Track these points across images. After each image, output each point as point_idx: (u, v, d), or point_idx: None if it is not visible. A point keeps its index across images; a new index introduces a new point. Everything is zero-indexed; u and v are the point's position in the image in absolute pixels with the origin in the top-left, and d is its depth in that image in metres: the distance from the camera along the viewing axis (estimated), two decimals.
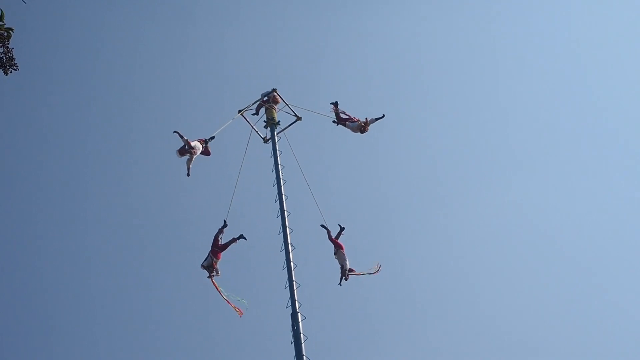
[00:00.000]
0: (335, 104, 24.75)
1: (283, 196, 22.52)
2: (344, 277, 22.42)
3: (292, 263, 20.77)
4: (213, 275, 21.85)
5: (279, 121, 24.99)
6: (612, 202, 45.58)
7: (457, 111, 48.25)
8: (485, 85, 50.20)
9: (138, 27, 48.56)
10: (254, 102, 25.10)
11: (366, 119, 23.97)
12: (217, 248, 22.30)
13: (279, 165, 23.39)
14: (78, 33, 47.52)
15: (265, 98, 25.06)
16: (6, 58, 8.12)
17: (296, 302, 19.78)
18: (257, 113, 25.09)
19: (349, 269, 22.44)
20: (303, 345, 18.79)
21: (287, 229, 21.63)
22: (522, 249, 43.57)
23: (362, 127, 24.09)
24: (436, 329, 39.40)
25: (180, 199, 42.64)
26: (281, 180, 22.94)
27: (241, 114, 24.82)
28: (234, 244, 22.53)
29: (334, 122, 24.77)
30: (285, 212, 22.07)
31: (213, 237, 22.55)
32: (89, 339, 38.76)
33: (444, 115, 48.03)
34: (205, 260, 22.09)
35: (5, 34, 8.05)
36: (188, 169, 22.60)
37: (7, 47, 8.13)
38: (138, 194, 43.84)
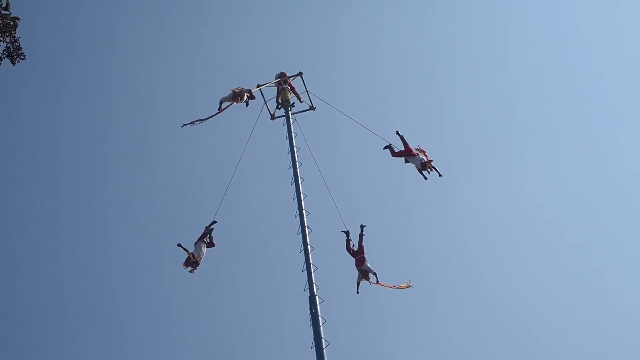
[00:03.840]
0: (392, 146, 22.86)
1: (299, 179, 22.38)
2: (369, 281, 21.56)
3: (309, 246, 20.69)
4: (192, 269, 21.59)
5: (293, 103, 24.93)
6: (619, 185, 45.27)
7: (465, 96, 47.98)
8: (493, 70, 49.90)
9: (148, 13, 48.37)
10: (274, 80, 25.19)
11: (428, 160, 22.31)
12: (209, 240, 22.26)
13: (295, 147, 23.24)
14: (86, 21, 47.35)
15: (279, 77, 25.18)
16: (13, 48, 8.03)
17: (314, 285, 19.73)
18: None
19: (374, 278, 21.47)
20: (321, 327, 18.75)
21: (304, 211, 21.52)
22: (530, 234, 43.41)
23: (424, 164, 22.24)
24: (449, 314, 39.40)
25: (189, 182, 42.66)
26: (297, 163, 22.79)
27: (259, 89, 24.93)
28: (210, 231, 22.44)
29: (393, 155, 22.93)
30: (302, 194, 21.95)
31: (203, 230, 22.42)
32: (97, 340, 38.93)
33: (452, 101, 47.78)
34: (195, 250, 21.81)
35: (12, 23, 7.95)
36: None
37: (14, 37, 8.04)
38: (151, 181, 43.85)
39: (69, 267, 41.25)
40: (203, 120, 23.80)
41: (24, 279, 40.75)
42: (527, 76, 48.92)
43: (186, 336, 38.54)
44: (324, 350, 18.35)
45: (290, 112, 24.61)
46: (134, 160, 45.03)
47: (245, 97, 24.41)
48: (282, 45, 47.78)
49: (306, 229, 21.09)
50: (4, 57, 8.06)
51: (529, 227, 43.77)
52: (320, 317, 18.95)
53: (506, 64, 49.49)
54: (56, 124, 45.45)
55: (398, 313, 38.20)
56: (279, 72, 25.48)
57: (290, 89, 25.14)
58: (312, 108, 25.21)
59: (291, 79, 25.17)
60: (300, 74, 25.17)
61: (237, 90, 24.34)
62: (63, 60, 46.21)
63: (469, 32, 50.33)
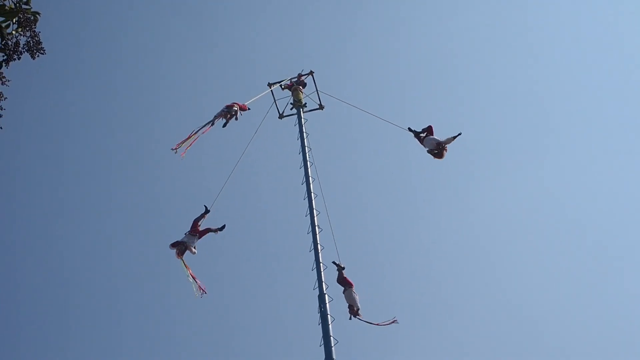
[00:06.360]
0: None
1: (310, 178, 22.50)
2: (353, 315, 20.91)
3: (319, 245, 20.80)
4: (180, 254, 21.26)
5: (305, 103, 25.12)
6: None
7: (487, 94, 47.95)
8: (517, 67, 49.76)
9: (165, 6, 48.64)
10: (287, 79, 25.45)
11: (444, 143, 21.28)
12: (196, 233, 21.90)
13: (306, 148, 23.38)
14: (105, 16, 47.73)
15: (294, 79, 25.40)
16: (33, 42, 8.15)
17: (323, 284, 19.84)
18: (286, 88, 25.46)
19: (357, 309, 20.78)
20: (330, 326, 18.84)
21: (315, 211, 21.64)
22: (553, 233, 43.29)
23: (439, 148, 21.35)
24: (463, 314, 39.32)
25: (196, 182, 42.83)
26: (308, 163, 22.91)
27: (270, 87, 25.24)
28: (212, 233, 22.09)
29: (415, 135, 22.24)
30: (312, 194, 22.06)
31: (192, 221, 22.07)
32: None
33: (474, 98, 47.75)
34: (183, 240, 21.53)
35: (32, 17, 8.07)
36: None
37: (34, 32, 8.16)
38: (165, 174, 44.05)
39: (71, 267, 41.51)
40: (190, 141, 22.06)
41: (24, 278, 41.01)
42: (546, 71, 48.90)
43: (195, 334, 38.69)
44: (333, 348, 18.43)
45: (302, 112, 24.81)
46: (147, 156, 45.32)
47: (235, 114, 23.27)
48: (294, 45, 47.98)
49: (316, 228, 21.22)
50: (24, 52, 8.18)
51: (548, 226, 43.70)
52: (329, 316, 19.05)
53: (522, 61, 49.46)
54: (75, 117, 45.86)
55: (408, 312, 38.23)
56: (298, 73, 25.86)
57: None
58: (320, 107, 25.58)
59: (303, 77, 25.50)
60: (311, 72, 25.58)
61: (230, 105, 23.28)
62: (82, 55, 46.68)
63: (495, 24, 50.18)
